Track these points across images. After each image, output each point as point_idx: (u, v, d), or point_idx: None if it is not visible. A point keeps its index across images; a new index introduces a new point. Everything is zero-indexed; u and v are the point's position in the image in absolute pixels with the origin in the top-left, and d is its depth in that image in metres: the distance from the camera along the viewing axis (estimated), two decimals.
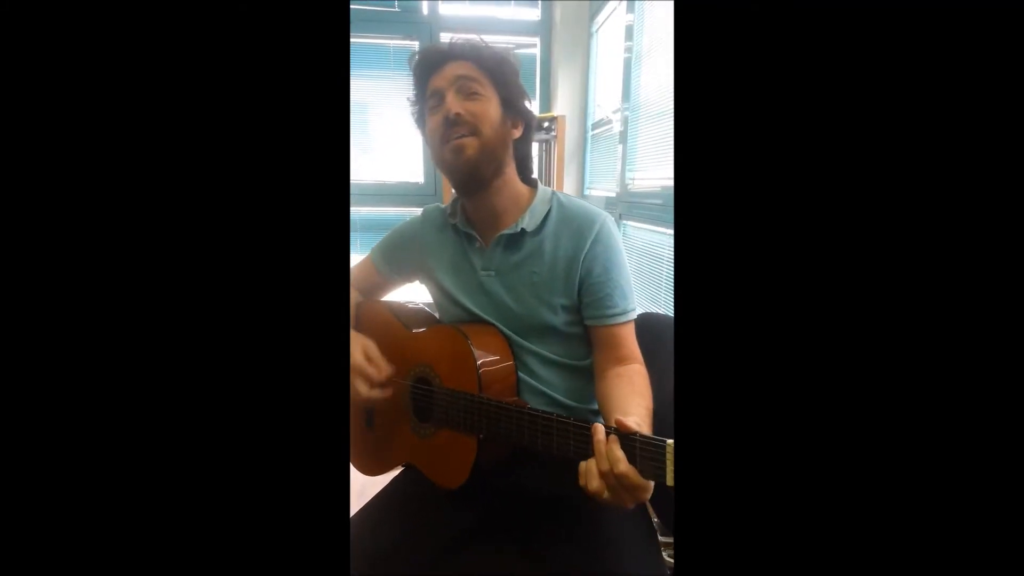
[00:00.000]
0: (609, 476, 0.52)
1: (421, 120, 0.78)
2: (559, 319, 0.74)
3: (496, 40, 1.86)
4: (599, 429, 0.55)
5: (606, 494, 0.53)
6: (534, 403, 0.73)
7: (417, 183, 2.68)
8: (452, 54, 0.74)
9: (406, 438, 0.79)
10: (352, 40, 2.53)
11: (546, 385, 0.75)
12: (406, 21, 2.53)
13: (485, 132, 0.71)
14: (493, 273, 0.76)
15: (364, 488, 1.54)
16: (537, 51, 2.63)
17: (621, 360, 0.73)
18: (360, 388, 0.72)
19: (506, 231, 0.75)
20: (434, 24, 2.54)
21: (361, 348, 0.74)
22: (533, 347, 0.75)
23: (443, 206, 0.85)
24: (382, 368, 0.73)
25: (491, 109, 0.72)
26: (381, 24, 2.51)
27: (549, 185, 1.26)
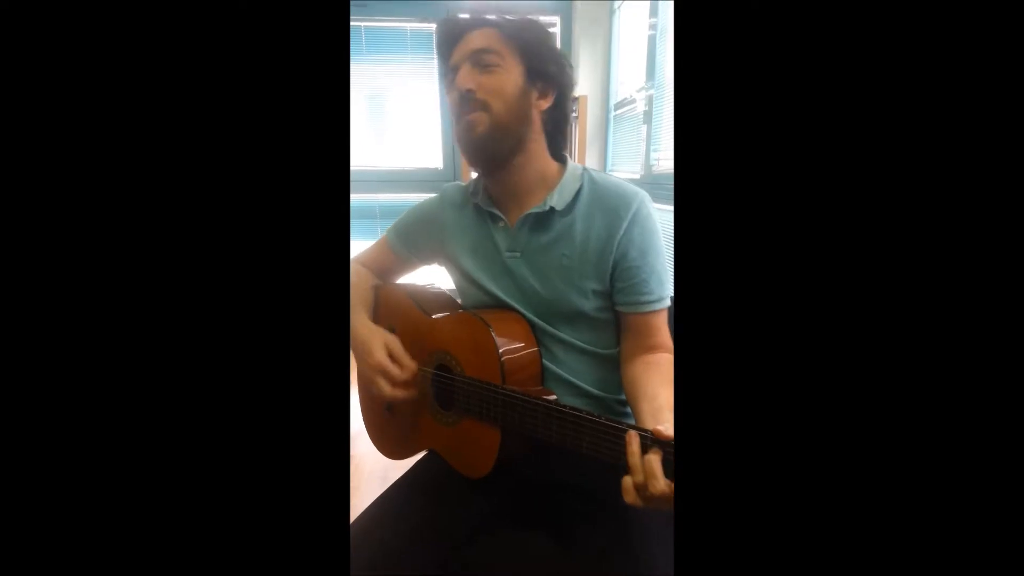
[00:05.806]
0: (643, 489, 0.50)
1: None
2: (589, 304, 0.70)
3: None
4: (634, 439, 0.51)
5: (640, 504, 0.51)
6: (560, 392, 0.71)
7: (436, 168, 2.66)
8: (472, 24, 0.71)
9: (428, 425, 0.78)
10: (368, 24, 2.51)
11: (572, 374, 0.72)
12: (423, 2, 2.49)
13: (496, 107, 0.68)
14: (519, 254, 0.73)
15: (387, 472, 1.56)
16: (557, 29, 2.57)
17: (652, 348, 0.70)
18: (383, 387, 0.70)
19: (533, 210, 0.71)
20: (451, 5, 2.49)
21: (383, 345, 0.72)
22: (560, 334, 0.72)
23: (463, 184, 0.82)
24: (406, 366, 0.71)
25: (508, 81, 0.69)
26: (397, 6, 2.48)
27: None
